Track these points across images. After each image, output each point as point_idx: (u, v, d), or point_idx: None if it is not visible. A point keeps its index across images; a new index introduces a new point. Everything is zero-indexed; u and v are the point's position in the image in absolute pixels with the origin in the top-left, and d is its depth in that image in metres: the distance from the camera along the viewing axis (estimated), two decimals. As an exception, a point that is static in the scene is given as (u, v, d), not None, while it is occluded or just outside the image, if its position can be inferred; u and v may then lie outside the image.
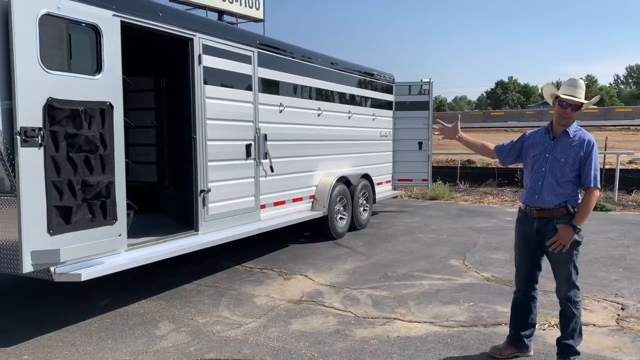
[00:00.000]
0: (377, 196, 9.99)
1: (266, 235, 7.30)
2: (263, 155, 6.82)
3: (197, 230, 5.91)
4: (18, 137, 3.98)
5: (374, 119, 10.08)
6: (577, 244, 3.64)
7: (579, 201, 3.65)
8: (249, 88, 6.64)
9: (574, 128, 3.69)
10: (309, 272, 6.50)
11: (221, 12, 16.52)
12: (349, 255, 7.39)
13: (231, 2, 16.55)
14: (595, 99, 3.76)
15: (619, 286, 5.85)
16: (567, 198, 3.64)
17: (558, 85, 3.87)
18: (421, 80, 11.31)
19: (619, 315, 4.95)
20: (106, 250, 4.70)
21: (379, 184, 10.33)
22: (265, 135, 6.82)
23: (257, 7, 17.51)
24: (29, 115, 4.04)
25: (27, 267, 4.09)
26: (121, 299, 5.52)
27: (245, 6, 17.09)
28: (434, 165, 15.85)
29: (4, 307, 5.35)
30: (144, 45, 6.71)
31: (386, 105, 10.76)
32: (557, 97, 3.66)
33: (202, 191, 5.90)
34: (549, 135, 3.77)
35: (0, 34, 3.93)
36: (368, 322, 4.81)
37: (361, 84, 9.67)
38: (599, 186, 3.60)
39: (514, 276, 4.06)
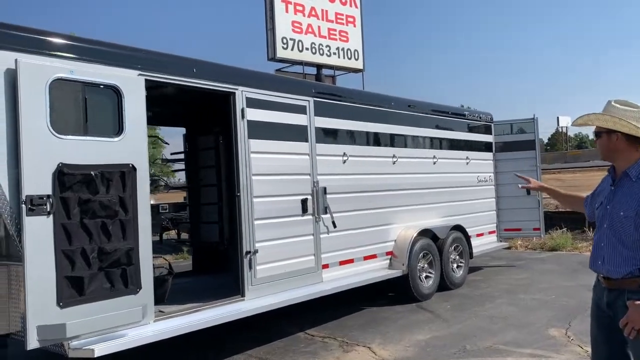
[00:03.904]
0: (476, 250, 8.86)
1: (341, 297, 6.67)
2: (323, 210, 6.25)
3: (243, 295, 5.44)
4: (23, 205, 3.85)
5: (467, 163, 9.09)
6: None
7: None
8: (304, 139, 6.19)
9: (638, 167, 2.68)
10: (374, 343, 5.69)
11: (319, 66, 16.74)
12: (428, 322, 6.43)
13: (329, 56, 16.75)
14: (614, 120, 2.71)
15: None
16: None
17: None
18: (535, 119, 10.03)
19: None
20: (129, 322, 4.39)
21: (478, 235, 9.21)
22: (325, 189, 6.27)
23: (357, 57, 17.55)
24: (36, 182, 3.91)
25: (33, 343, 3.87)
26: (163, 370, 5.17)
27: (344, 58, 17.20)
28: (556, 210, 14.13)
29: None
30: (205, 103, 6.64)
31: (484, 146, 9.72)
32: None
33: (247, 252, 5.46)
34: (612, 178, 2.81)
35: (11, 101, 3.90)
36: (417, 415, 3.92)
37: (449, 126, 8.80)
38: None
39: None
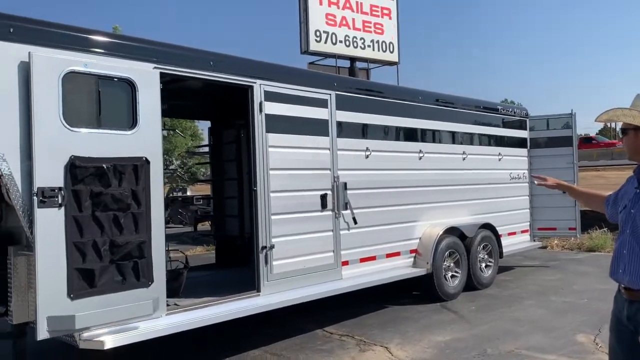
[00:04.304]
0: (506, 249, 8.57)
1: (363, 295, 6.59)
2: (343, 206, 6.13)
3: (258, 290, 5.40)
4: (35, 197, 3.89)
5: (500, 159, 8.79)
6: None
7: None
8: (325, 133, 6.07)
9: None
10: (392, 343, 5.55)
11: (353, 59, 16.53)
12: (450, 323, 6.24)
13: (363, 48, 16.52)
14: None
15: None
16: None
17: None
18: (573, 114, 9.60)
19: None
20: (139, 315, 4.40)
21: (510, 234, 8.92)
22: (345, 184, 6.15)
23: (392, 50, 17.25)
24: (48, 175, 3.94)
25: (43, 334, 3.92)
26: (179, 363, 5.19)
27: (379, 50, 16.94)
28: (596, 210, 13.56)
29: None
30: (227, 96, 6.61)
31: (518, 142, 9.38)
32: None
33: (263, 247, 5.41)
34: (637, 180, 2.58)
35: (24, 94, 3.93)
36: (426, 421, 3.78)
37: (480, 121, 8.52)
38: None
39: None
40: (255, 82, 5.43)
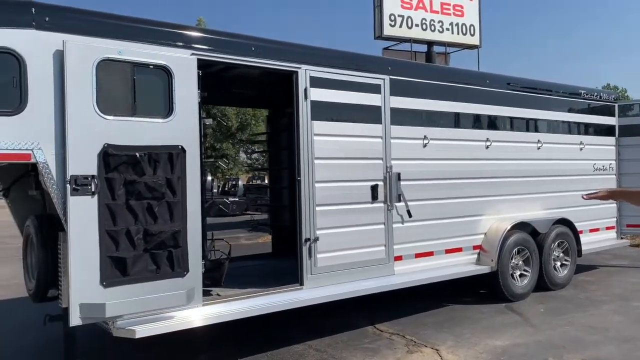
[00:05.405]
0: (587, 247, 7.80)
1: (423, 292, 6.37)
2: (396, 198, 5.78)
3: (301, 283, 5.21)
4: (68, 185, 3.92)
5: (581, 149, 7.99)
6: None
7: None
8: (377, 121, 5.74)
9: None
10: (443, 346, 5.17)
11: (430, 44, 15.88)
12: (513, 326, 5.73)
13: (441, 32, 15.82)
14: None
15: None
16: None
17: None
18: None
19: None
20: (173, 305, 4.36)
21: (592, 230, 8.13)
22: (399, 174, 5.79)
23: (472, 33, 16.40)
24: (81, 163, 3.96)
25: (75, 320, 3.96)
26: (221, 354, 5.13)
27: (458, 34, 16.15)
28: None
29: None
30: (282, 83, 6.45)
31: (603, 130, 8.50)
32: None
33: (307, 240, 5.20)
34: None
35: (59, 82, 3.96)
36: None
37: (558, 107, 7.78)
38: None
39: None
40: (299, 67, 5.21)
